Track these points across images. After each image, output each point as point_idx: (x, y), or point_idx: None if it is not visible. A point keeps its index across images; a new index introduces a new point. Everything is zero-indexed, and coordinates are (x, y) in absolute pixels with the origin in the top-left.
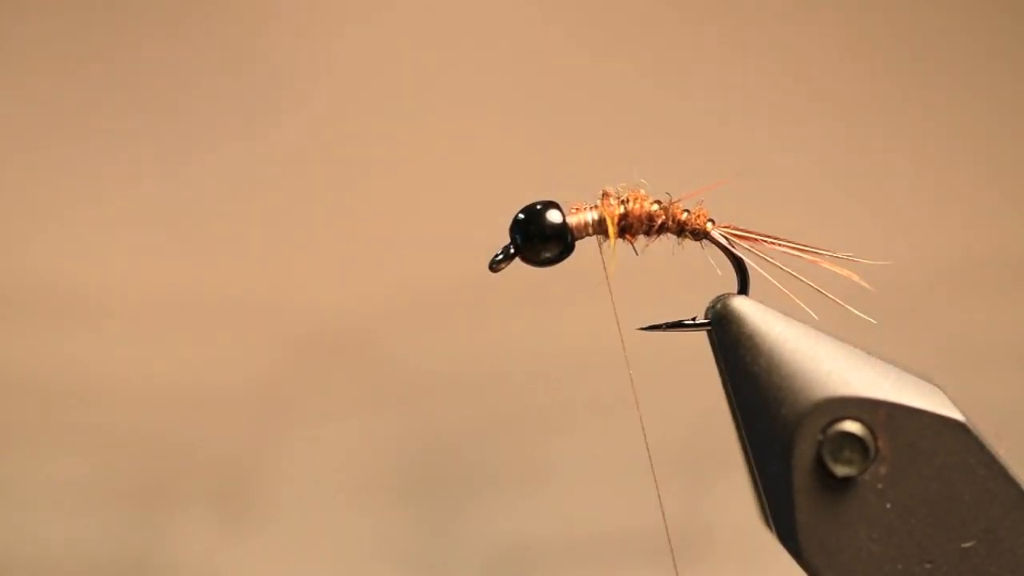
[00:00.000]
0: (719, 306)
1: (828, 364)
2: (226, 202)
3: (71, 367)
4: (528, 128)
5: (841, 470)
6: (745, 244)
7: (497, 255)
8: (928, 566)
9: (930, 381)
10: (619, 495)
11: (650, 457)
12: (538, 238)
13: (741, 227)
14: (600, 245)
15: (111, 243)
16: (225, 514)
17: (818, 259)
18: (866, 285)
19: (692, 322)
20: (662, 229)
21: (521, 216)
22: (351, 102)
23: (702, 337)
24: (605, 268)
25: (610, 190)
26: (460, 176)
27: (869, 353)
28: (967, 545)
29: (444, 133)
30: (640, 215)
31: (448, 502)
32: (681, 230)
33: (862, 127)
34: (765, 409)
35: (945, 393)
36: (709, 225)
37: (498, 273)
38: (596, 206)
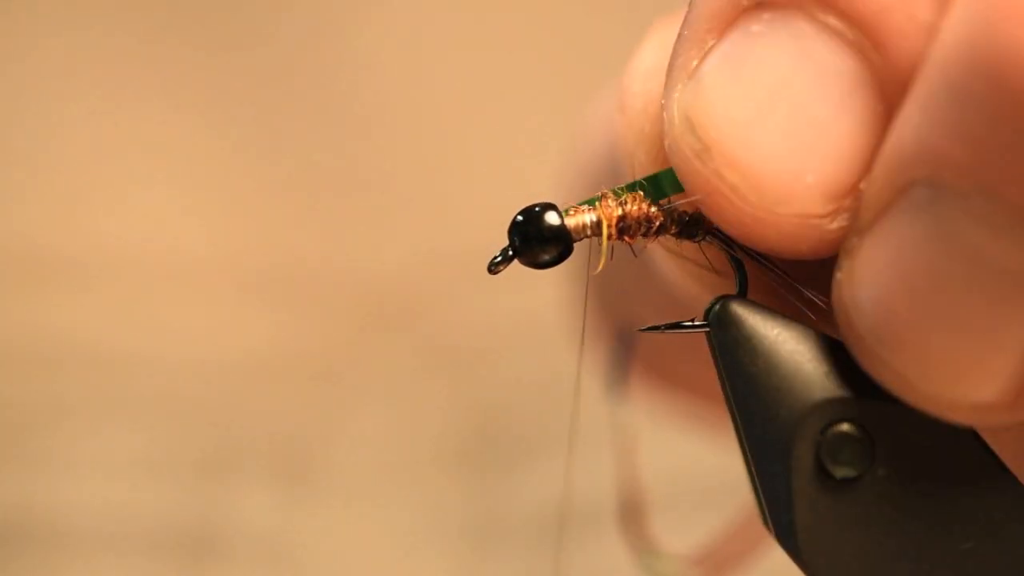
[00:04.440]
0: (717, 307)
1: (826, 365)
2: (285, 173)
3: (128, 337)
4: (528, 126)
5: (840, 471)
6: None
7: (495, 257)
8: (928, 566)
9: None
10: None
11: None
12: (536, 240)
13: None
14: (599, 246)
15: (174, 212)
16: (281, 486)
17: None
18: None
19: (691, 323)
20: (661, 230)
21: (519, 218)
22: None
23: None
24: (588, 270)
25: (608, 191)
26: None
27: None
28: (967, 546)
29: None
30: (638, 216)
31: (502, 468)
32: (680, 231)
33: None
34: (763, 411)
35: None
36: None
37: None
38: (594, 207)
